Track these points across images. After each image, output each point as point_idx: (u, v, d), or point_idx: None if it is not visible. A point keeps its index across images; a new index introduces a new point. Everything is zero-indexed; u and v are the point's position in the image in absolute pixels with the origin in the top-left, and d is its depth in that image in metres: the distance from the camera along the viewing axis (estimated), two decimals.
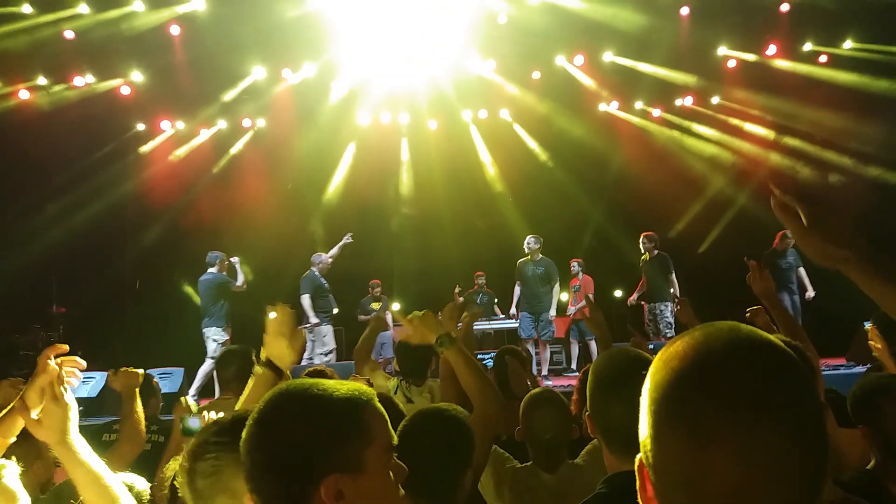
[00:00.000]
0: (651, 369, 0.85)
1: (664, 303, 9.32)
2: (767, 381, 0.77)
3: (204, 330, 8.72)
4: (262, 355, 2.09)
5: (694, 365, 0.79)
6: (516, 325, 10.11)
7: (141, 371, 3.46)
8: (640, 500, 0.84)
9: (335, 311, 9.52)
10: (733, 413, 0.75)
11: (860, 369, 7.27)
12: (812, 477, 0.76)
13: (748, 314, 3.40)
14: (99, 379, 8.27)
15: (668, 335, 9.14)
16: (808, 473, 0.76)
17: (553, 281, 9.44)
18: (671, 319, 9.21)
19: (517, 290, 9.57)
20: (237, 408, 2.05)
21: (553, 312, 9.46)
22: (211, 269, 8.94)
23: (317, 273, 9.37)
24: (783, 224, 1.36)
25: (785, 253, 9.15)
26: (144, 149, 11.92)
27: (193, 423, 2.55)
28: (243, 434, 1.22)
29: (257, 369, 2.07)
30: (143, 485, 2.26)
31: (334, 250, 9.64)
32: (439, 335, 2.47)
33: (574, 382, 4.05)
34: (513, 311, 9.66)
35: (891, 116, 10.95)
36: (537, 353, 9.43)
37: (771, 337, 0.82)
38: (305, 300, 9.11)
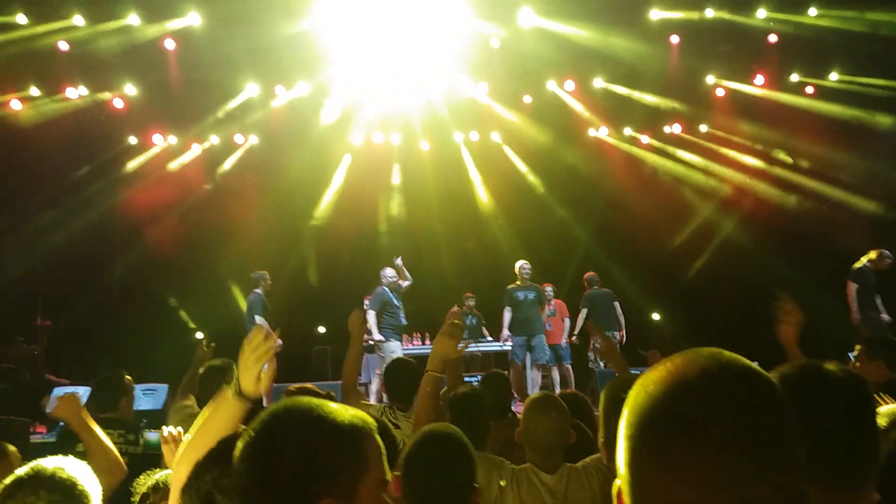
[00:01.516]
0: (629, 396, 0.84)
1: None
2: (741, 413, 0.76)
3: None
4: (233, 384, 1.99)
5: (668, 393, 0.79)
6: (504, 347, 10.14)
7: (79, 392, 3.35)
8: None
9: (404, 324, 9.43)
10: (706, 444, 0.74)
11: None
12: None
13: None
14: (82, 393, 8.15)
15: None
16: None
17: (543, 304, 9.63)
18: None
19: (507, 314, 9.56)
20: (191, 432, 2.00)
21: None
22: (256, 290, 9.20)
23: (386, 289, 9.30)
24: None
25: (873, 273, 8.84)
26: (136, 162, 11.88)
27: (152, 436, 2.55)
28: (240, 444, 1.20)
29: (227, 394, 1.98)
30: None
31: (405, 272, 9.49)
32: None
33: None
34: (506, 333, 9.63)
35: (873, 148, 11.17)
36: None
37: (752, 365, 0.81)
38: (371, 316, 9.07)
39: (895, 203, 10.86)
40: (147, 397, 8.39)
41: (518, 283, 9.57)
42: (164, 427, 2.41)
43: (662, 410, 0.78)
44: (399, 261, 9.44)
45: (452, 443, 2.14)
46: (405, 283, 9.40)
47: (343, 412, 1.24)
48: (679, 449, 0.75)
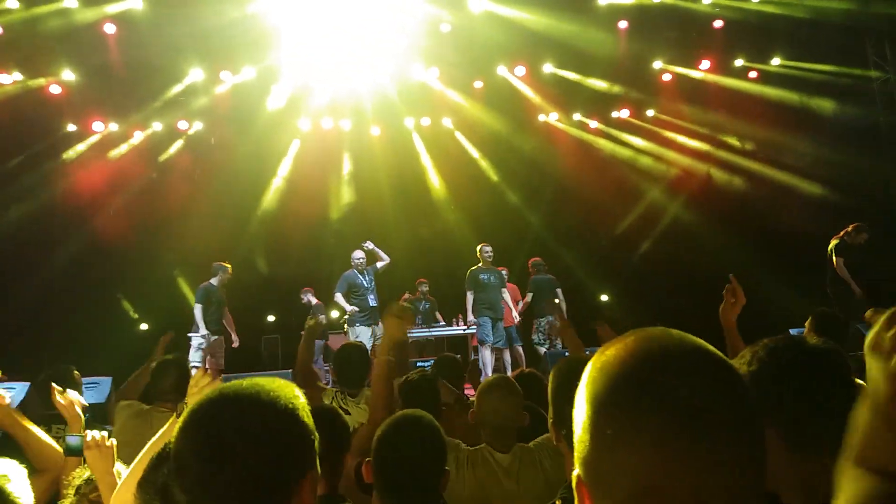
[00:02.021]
0: (585, 380, 0.83)
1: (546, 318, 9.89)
2: (702, 389, 0.76)
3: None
4: (181, 408, 2.00)
5: (630, 374, 0.78)
6: (458, 332, 10.15)
7: (4, 392, 3.23)
8: None
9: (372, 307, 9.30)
10: (670, 421, 0.74)
11: None
12: (748, 483, 0.76)
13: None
14: (20, 389, 7.91)
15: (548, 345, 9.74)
16: (745, 478, 0.75)
17: (504, 287, 9.64)
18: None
19: (470, 297, 9.48)
20: (142, 457, 1.97)
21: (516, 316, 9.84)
22: (211, 280, 9.16)
23: (353, 271, 9.32)
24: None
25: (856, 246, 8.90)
26: (75, 150, 11.50)
27: (73, 440, 2.49)
28: (190, 436, 1.17)
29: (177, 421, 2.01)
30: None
31: (380, 253, 9.43)
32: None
33: None
34: (470, 318, 9.50)
35: (817, 132, 11.49)
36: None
37: (701, 343, 0.82)
38: (337, 297, 9.17)
39: (839, 186, 11.18)
40: (90, 391, 8.17)
41: (481, 265, 9.54)
42: (87, 431, 2.36)
43: (624, 392, 0.77)
44: (369, 244, 9.39)
45: (424, 427, 2.15)
46: (381, 264, 9.41)
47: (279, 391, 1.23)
48: (642, 430, 0.74)
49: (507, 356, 9.76)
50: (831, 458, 1.20)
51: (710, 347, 0.81)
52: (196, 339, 8.89)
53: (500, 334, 9.49)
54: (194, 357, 8.75)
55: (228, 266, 9.28)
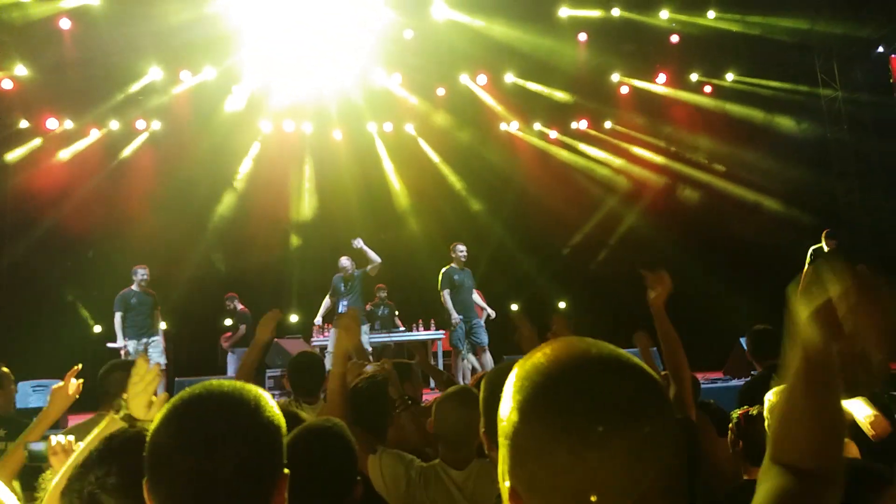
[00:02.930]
0: (511, 389, 0.84)
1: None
2: (625, 391, 0.79)
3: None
4: (122, 410, 1.96)
5: (556, 380, 0.80)
6: (418, 336, 10.13)
7: None
8: None
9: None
10: (598, 421, 0.76)
11: (737, 382, 7.74)
12: (677, 477, 0.78)
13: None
14: None
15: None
16: (656, 488, 0.77)
17: (474, 288, 9.58)
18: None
19: (447, 296, 9.28)
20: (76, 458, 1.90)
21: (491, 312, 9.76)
22: (131, 286, 9.10)
23: (338, 276, 9.62)
24: None
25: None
26: (26, 147, 11.17)
27: (37, 447, 2.41)
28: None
29: (115, 418, 1.95)
30: None
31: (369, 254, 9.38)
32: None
33: None
34: (455, 318, 9.21)
35: (765, 145, 11.85)
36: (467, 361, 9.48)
37: (620, 351, 0.85)
38: (325, 302, 9.71)
39: (793, 199, 11.52)
40: (38, 394, 7.96)
41: (454, 265, 9.42)
42: (52, 436, 2.25)
43: (551, 397, 0.79)
44: (358, 243, 9.35)
45: (330, 437, 2.08)
46: (371, 266, 9.46)
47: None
48: (572, 432, 0.76)
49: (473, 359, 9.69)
50: None
51: (625, 353, 0.84)
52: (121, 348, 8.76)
53: (481, 333, 9.38)
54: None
55: (144, 267, 9.11)
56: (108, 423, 1.93)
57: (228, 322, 10.37)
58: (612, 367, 0.81)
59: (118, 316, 8.94)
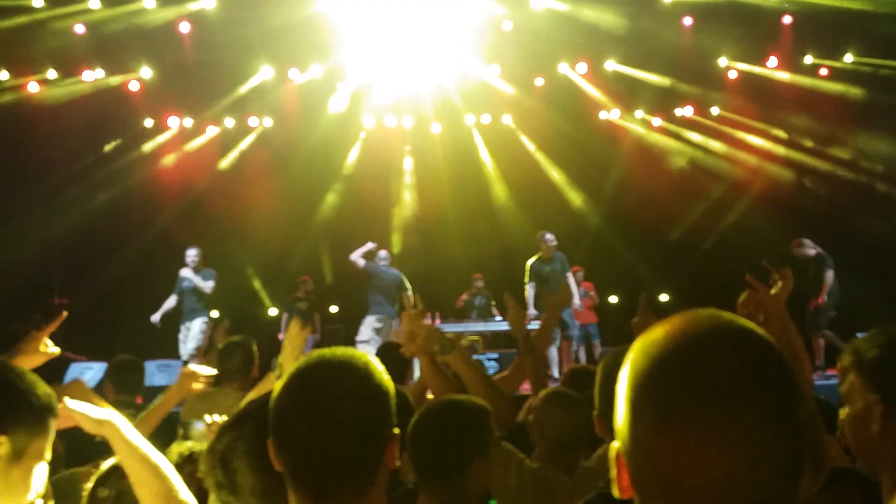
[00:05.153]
0: (630, 356, 0.83)
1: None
2: (746, 368, 0.76)
3: None
4: (277, 369, 2.25)
5: (673, 352, 0.78)
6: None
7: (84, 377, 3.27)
8: (615, 490, 0.82)
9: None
10: (710, 399, 0.74)
11: None
12: (789, 466, 0.76)
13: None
14: (97, 370, 8.35)
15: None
16: (786, 462, 0.75)
17: (568, 271, 9.34)
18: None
19: (530, 290, 9.17)
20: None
21: (577, 301, 9.52)
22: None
23: (374, 266, 9.79)
24: None
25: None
26: (151, 144, 12.03)
27: (199, 426, 2.50)
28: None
29: (272, 377, 2.25)
30: None
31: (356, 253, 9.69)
32: (441, 342, 2.59)
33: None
34: (532, 312, 9.02)
35: (889, 130, 11.07)
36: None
37: (751, 324, 0.82)
38: None
39: None
40: (162, 373, 8.60)
41: (541, 255, 9.24)
42: (206, 416, 2.32)
43: (670, 370, 0.78)
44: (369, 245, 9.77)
45: (452, 408, 2.08)
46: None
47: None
48: (689, 407, 0.75)
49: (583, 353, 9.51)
50: None
51: (759, 330, 0.81)
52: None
53: (571, 325, 9.26)
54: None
55: (193, 252, 9.52)
56: (265, 383, 2.23)
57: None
58: (734, 341, 0.79)
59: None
